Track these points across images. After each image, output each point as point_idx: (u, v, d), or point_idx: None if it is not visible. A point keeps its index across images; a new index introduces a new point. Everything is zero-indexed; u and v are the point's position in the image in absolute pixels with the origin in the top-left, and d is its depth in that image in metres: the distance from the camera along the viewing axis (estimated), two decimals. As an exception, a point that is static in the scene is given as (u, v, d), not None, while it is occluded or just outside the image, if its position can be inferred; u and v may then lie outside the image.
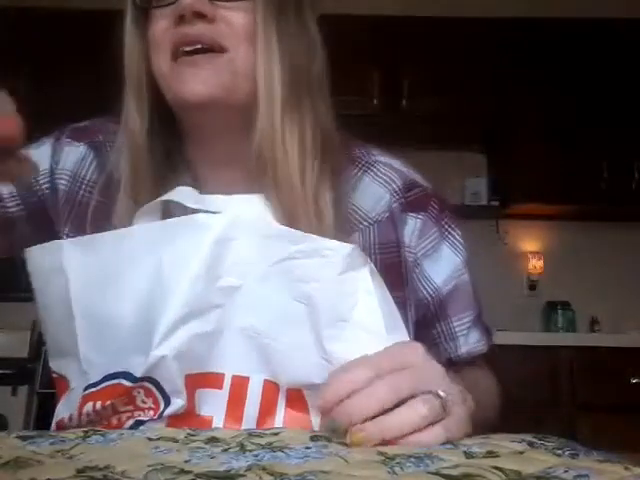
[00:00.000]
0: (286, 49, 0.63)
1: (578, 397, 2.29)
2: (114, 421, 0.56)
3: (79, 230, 0.68)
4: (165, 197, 0.61)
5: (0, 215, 0.71)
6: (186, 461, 0.38)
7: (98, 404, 0.56)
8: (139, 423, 0.55)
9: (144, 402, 0.55)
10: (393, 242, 0.69)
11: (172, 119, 0.67)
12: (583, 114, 2.70)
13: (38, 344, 2.39)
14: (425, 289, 0.71)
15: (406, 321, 0.62)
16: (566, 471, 0.34)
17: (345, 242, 0.56)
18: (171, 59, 0.62)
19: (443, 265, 0.71)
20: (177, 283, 0.55)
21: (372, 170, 0.72)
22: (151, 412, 0.55)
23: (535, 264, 2.92)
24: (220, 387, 0.56)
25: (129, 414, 0.56)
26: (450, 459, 0.38)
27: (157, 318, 0.55)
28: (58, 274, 0.59)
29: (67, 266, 0.59)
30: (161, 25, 0.62)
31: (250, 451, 0.40)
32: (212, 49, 0.61)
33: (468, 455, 0.39)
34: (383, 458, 0.38)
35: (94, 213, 0.69)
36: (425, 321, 0.71)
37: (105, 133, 0.72)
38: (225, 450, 0.41)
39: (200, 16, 0.60)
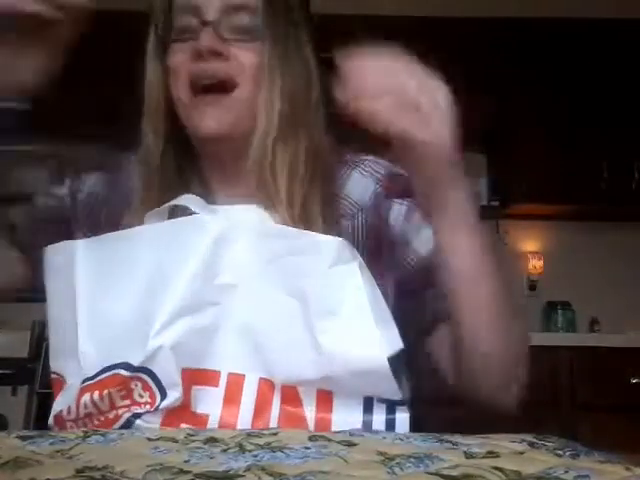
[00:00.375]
0: (287, 86, 0.71)
1: (578, 397, 2.28)
2: (111, 416, 0.56)
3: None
4: (173, 202, 0.65)
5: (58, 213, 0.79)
6: (185, 461, 0.38)
7: (96, 394, 0.56)
8: (136, 416, 0.56)
9: (141, 396, 0.56)
10: (378, 224, 0.76)
11: (186, 138, 0.74)
12: (583, 114, 2.70)
13: (38, 344, 2.38)
14: (411, 260, 0.76)
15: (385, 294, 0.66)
16: (566, 471, 0.34)
17: (335, 232, 0.60)
18: (190, 92, 0.70)
19: (427, 242, 0.74)
20: (176, 279, 0.57)
21: (360, 166, 0.80)
22: (147, 406, 0.56)
23: (535, 264, 2.92)
24: (216, 385, 0.57)
25: (126, 409, 0.56)
26: (450, 459, 0.38)
27: (155, 311, 0.56)
28: (69, 272, 0.62)
29: (77, 264, 0.62)
30: (180, 57, 0.70)
31: (249, 451, 0.40)
32: (225, 84, 0.69)
33: (468, 455, 0.39)
34: (383, 458, 0.38)
35: (107, 223, 0.74)
36: (412, 288, 0.75)
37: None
38: (224, 450, 0.41)
39: (216, 54, 0.68)
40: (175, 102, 0.72)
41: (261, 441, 0.43)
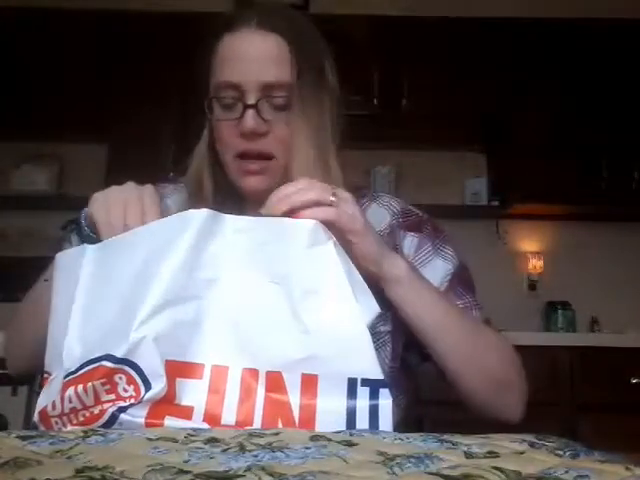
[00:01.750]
0: (318, 150, 0.80)
1: (578, 397, 2.28)
2: (96, 411, 0.57)
3: None
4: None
5: None
6: (185, 461, 0.38)
7: (80, 388, 0.57)
8: (121, 410, 0.56)
9: (125, 390, 0.57)
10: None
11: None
12: (583, 114, 2.70)
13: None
14: None
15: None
16: (566, 471, 0.34)
17: None
18: (236, 159, 0.81)
19: (438, 271, 0.84)
20: (158, 274, 0.59)
21: (377, 200, 0.90)
22: (132, 400, 0.56)
23: (535, 264, 2.92)
24: (200, 377, 0.58)
25: (111, 403, 0.56)
26: (450, 459, 0.38)
27: (138, 306, 0.58)
28: (73, 276, 0.64)
29: (82, 268, 0.64)
30: (227, 132, 0.81)
31: (249, 451, 0.40)
32: (264, 156, 0.80)
33: (468, 455, 0.39)
34: (383, 458, 0.38)
35: None
36: None
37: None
38: (224, 450, 0.41)
39: (258, 134, 0.79)
40: (222, 162, 0.84)
41: (262, 441, 0.43)
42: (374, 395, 0.57)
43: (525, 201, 2.75)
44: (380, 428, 0.55)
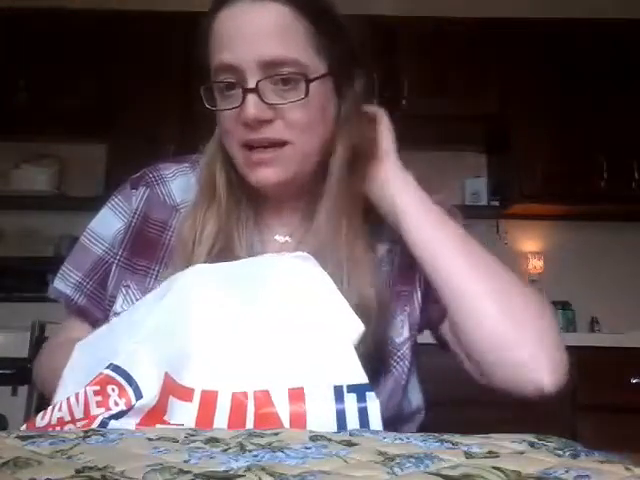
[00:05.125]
0: (347, 137, 0.75)
1: (578, 397, 2.28)
2: (83, 425, 0.56)
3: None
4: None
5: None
6: (185, 461, 0.38)
7: (72, 397, 0.57)
8: (112, 417, 0.56)
9: (116, 404, 0.57)
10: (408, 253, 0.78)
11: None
12: (583, 114, 2.70)
13: (38, 344, 2.38)
14: None
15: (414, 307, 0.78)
16: (567, 471, 0.34)
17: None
18: (243, 150, 0.72)
19: None
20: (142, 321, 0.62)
21: None
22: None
23: (535, 264, 2.92)
24: (190, 400, 0.58)
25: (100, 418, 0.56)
26: (450, 459, 0.38)
27: (139, 324, 0.61)
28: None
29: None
30: (229, 124, 0.72)
31: (250, 451, 0.40)
32: (275, 144, 0.70)
33: (468, 455, 0.39)
34: (383, 458, 0.38)
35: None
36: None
37: (157, 173, 0.85)
38: (225, 450, 0.41)
39: (263, 122, 0.69)
40: (230, 155, 0.75)
41: (262, 441, 0.43)
42: (361, 398, 0.57)
43: (525, 201, 2.75)
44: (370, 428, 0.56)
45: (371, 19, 2.76)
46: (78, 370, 0.64)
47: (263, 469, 0.35)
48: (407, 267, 0.78)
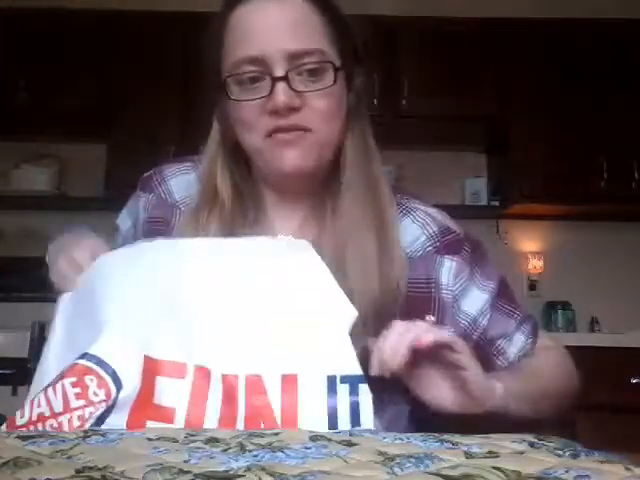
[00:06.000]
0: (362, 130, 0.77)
1: (578, 397, 2.28)
2: (65, 421, 0.56)
3: None
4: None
5: None
6: (185, 461, 0.38)
7: (50, 390, 0.56)
8: (100, 421, 0.55)
9: (96, 394, 0.56)
10: (423, 279, 0.78)
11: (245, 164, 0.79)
12: (583, 114, 2.70)
13: (38, 344, 2.38)
14: (465, 321, 0.79)
15: None
16: (566, 471, 0.34)
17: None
18: (265, 137, 0.72)
19: (475, 301, 0.80)
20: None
21: (412, 214, 0.82)
22: (103, 404, 0.55)
23: (535, 264, 2.92)
24: (182, 376, 0.57)
25: (81, 411, 0.56)
26: (450, 459, 0.38)
27: (115, 310, 0.61)
28: (91, 287, 0.65)
29: (100, 279, 0.65)
30: (252, 112, 0.72)
31: (250, 451, 0.40)
32: (301, 128, 0.72)
33: (468, 455, 0.39)
34: (383, 458, 0.38)
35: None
36: (475, 348, 0.74)
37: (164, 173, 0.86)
38: (225, 450, 0.41)
39: (291, 109, 0.70)
40: (248, 149, 0.76)
41: (262, 441, 0.43)
42: (354, 391, 0.57)
43: (525, 201, 2.75)
44: (362, 424, 0.56)
45: (371, 19, 2.76)
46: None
47: (263, 469, 0.35)
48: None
